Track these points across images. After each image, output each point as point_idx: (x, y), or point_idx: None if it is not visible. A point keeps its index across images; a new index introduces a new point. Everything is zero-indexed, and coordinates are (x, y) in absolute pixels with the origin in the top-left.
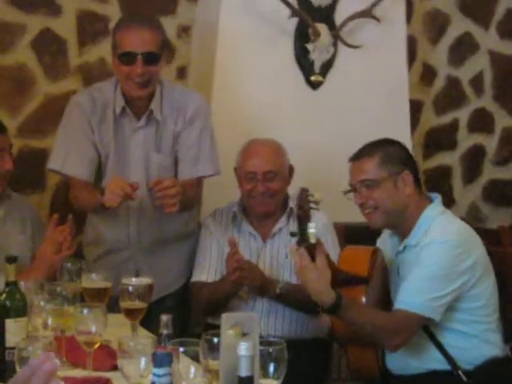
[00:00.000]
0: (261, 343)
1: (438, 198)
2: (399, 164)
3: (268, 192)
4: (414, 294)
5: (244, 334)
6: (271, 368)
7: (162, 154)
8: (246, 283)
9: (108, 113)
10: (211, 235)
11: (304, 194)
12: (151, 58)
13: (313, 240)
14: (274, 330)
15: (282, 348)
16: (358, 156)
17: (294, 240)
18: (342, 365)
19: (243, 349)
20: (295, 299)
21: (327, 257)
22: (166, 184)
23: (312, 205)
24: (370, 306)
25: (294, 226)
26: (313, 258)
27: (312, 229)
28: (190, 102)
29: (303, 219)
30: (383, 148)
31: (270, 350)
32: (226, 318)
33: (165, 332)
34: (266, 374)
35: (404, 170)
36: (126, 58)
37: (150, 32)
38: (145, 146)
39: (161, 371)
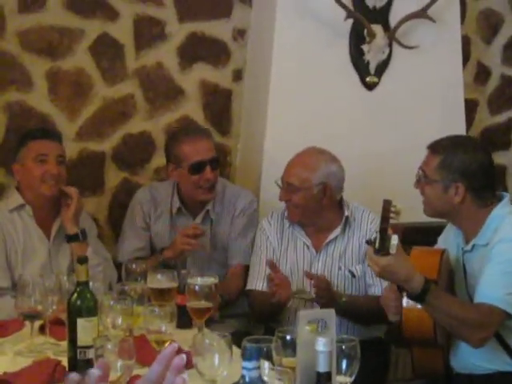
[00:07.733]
0: None
1: (506, 197)
2: (456, 174)
3: (289, 202)
4: (493, 287)
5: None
6: (344, 365)
7: (217, 250)
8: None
9: (165, 211)
10: (267, 241)
11: (387, 205)
12: (216, 163)
13: (393, 251)
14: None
15: (355, 345)
16: (431, 146)
17: (350, 252)
18: (399, 365)
19: (321, 344)
20: (357, 311)
21: None
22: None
23: (392, 215)
24: (455, 297)
25: (351, 233)
26: None
27: (395, 240)
28: (239, 201)
29: (386, 231)
30: (449, 152)
31: (343, 347)
32: (302, 315)
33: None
34: (339, 371)
35: (458, 182)
36: (197, 167)
37: (208, 140)
38: (201, 242)
39: (250, 364)
